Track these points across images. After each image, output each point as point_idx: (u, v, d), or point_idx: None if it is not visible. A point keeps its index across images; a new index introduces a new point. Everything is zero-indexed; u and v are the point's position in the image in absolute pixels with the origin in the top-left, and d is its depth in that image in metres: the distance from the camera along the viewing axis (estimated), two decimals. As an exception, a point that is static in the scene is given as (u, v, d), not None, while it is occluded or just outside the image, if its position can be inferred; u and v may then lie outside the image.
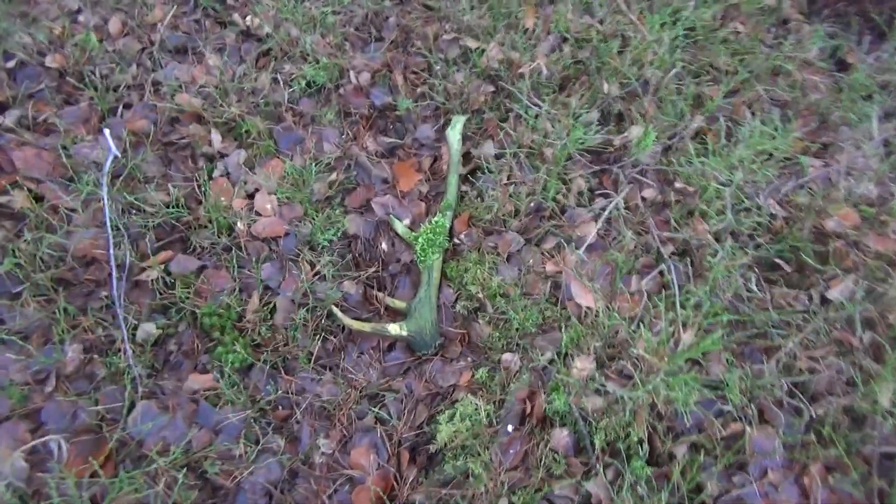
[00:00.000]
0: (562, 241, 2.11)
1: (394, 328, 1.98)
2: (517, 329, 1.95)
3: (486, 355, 1.99)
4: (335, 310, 2.01)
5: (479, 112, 2.49)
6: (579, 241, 2.10)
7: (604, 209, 2.11)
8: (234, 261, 2.07)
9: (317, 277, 2.09)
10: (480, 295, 2.04)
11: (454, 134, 2.36)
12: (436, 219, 2.17)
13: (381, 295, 2.11)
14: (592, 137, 2.14)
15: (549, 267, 2.06)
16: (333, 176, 2.34)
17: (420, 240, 2.13)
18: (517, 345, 1.96)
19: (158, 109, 2.36)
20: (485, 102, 2.49)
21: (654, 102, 2.37)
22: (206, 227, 2.15)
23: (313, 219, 2.19)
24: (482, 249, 2.12)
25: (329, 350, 2.01)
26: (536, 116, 2.29)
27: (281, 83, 2.50)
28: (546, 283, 2.05)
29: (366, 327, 1.99)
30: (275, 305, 2.02)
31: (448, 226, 2.19)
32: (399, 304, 2.07)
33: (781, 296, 1.90)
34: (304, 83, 2.53)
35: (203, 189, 2.17)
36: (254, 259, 2.09)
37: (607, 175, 2.25)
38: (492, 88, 2.51)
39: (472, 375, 1.93)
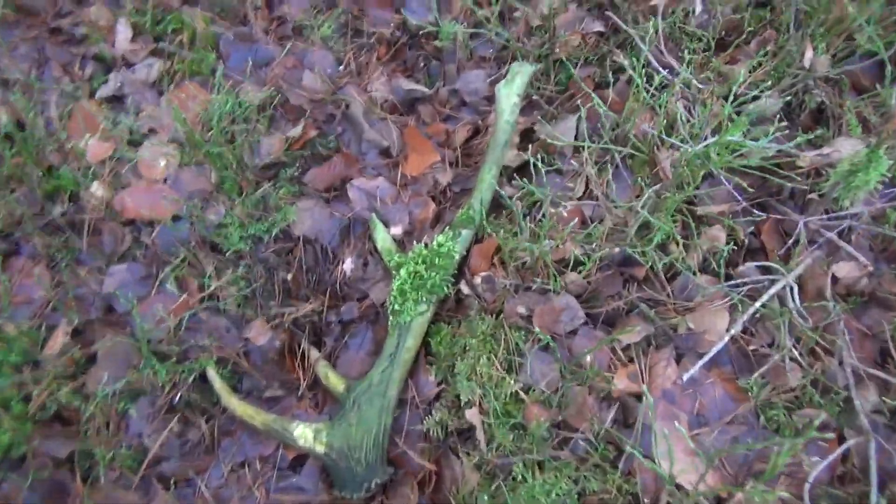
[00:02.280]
0: (658, 334, 1.21)
1: (304, 434, 1.14)
2: (524, 500, 1.07)
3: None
4: (212, 372, 1.22)
5: (565, 64, 1.56)
6: (692, 342, 1.18)
7: (755, 292, 1.16)
8: (68, 253, 1.31)
9: (205, 305, 1.30)
10: (478, 406, 1.17)
11: (509, 94, 1.43)
12: (442, 238, 1.31)
13: (314, 354, 1.29)
14: (762, 147, 1.17)
15: (622, 380, 1.16)
16: (297, 129, 1.51)
17: (403, 272, 1.28)
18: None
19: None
20: (580, 48, 1.54)
21: None
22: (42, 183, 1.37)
23: (234, 199, 1.39)
24: (504, 315, 1.25)
25: (187, 448, 1.21)
26: (663, 87, 1.34)
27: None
28: (607, 411, 1.15)
29: (258, 418, 1.16)
30: (93, 355, 1.21)
31: (460, 256, 1.33)
32: (336, 381, 1.22)
33: None
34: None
35: (62, 115, 1.41)
36: (105, 252, 1.32)
37: (774, 226, 1.28)
38: (598, 27, 1.57)
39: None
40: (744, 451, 0.97)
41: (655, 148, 1.22)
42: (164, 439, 1.16)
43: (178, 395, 1.18)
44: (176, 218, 1.32)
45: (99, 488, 1.11)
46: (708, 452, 1.04)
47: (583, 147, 1.31)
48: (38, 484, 1.09)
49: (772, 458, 0.86)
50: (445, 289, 1.25)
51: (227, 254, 1.33)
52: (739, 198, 1.22)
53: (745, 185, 1.19)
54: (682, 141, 1.14)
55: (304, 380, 1.25)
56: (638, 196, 1.21)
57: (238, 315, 1.28)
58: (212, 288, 1.27)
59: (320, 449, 1.13)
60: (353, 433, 1.13)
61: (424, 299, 1.23)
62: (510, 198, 1.36)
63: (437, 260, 1.25)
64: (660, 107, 1.23)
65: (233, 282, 1.30)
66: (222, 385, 1.18)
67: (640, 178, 1.23)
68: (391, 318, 1.25)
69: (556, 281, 1.20)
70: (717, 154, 1.15)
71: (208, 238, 1.33)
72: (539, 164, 1.21)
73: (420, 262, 1.25)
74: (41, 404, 1.12)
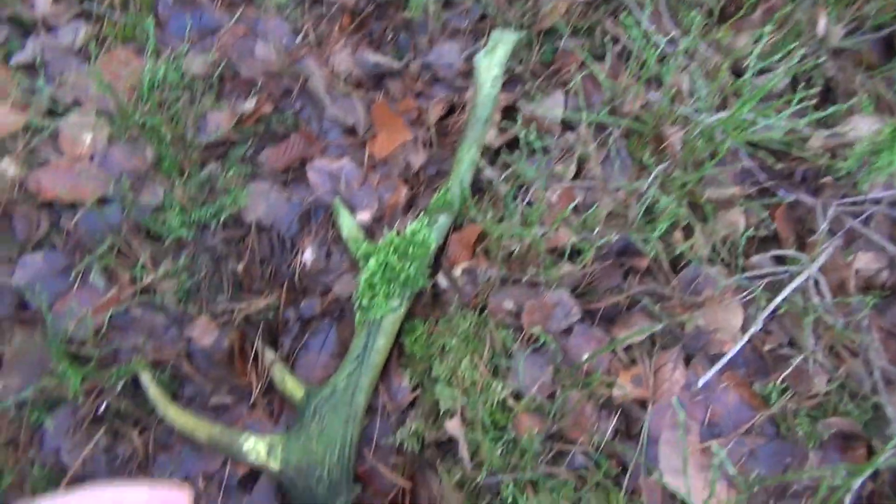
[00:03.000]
0: (663, 333, 1.08)
1: (255, 449, 0.97)
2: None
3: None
4: (146, 377, 1.04)
5: (550, 34, 1.43)
6: (702, 342, 1.05)
7: (775, 286, 1.03)
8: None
9: (138, 300, 1.11)
10: (458, 414, 1.02)
11: (490, 65, 1.29)
12: (416, 225, 1.16)
13: (269, 354, 1.12)
14: (778, 122, 1.05)
15: (624, 385, 1.03)
16: (249, 104, 1.34)
17: (373, 262, 1.12)
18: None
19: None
20: (566, 16, 1.41)
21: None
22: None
23: (175, 180, 1.20)
24: (489, 311, 1.11)
25: (116, 465, 1.02)
26: (662, 59, 1.22)
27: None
28: (608, 421, 1.02)
29: (201, 430, 0.98)
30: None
31: (437, 245, 1.17)
32: (295, 387, 1.05)
33: None
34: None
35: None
36: (16, 240, 1.12)
37: (789, 212, 1.17)
38: (586, -8, 1.44)
39: None
40: (793, 479, 0.84)
41: (661, 121, 1.09)
42: (87, 455, 0.98)
43: (105, 403, 0.99)
44: (103, 201, 1.14)
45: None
46: (737, 473, 0.91)
47: (576, 123, 1.18)
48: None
49: (822, 487, 0.74)
50: (421, 281, 1.10)
51: (167, 242, 1.15)
52: (760, 177, 1.10)
53: (754, 166, 1.07)
54: (694, 112, 1.01)
55: (258, 385, 1.08)
56: (639, 177, 1.08)
57: (179, 311, 1.10)
58: (147, 280, 1.09)
59: (275, 466, 0.97)
60: (313, 447, 0.97)
61: (397, 294, 1.08)
62: (491, 182, 1.22)
63: (410, 249, 1.10)
64: (661, 78, 1.10)
65: (172, 273, 1.12)
66: (158, 392, 1.00)
67: (641, 157, 1.10)
68: (358, 314, 1.09)
69: (548, 272, 1.06)
70: (725, 132, 1.03)
71: (143, 224, 1.15)
72: (530, 139, 1.07)
73: (392, 251, 1.10)
74: (-66, 417, 0.94)
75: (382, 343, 1.07)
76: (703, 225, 1.03)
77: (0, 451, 0.95)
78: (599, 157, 1.12)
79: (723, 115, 0.98)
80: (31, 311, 1.05)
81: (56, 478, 0.97)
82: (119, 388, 1.00)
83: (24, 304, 1.06)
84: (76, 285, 1.07)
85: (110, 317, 1.04)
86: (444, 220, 1.17)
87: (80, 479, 0.97)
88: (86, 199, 1.11)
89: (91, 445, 0.98)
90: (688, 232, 1.09)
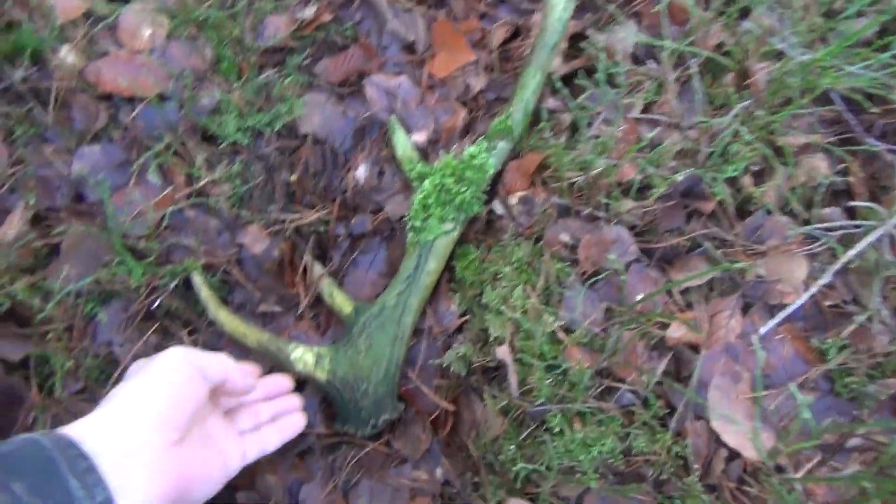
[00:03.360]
0: (722, 279, 1.04)
1: (303, 358, 0.97)
2: (559, 454, 0.94)
3: (473, 482, 0.98)
4: (198, 279, 1.03)
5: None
6: (762, 291, 1.03)
7: (844, 241, 0.99)
8: (31, 127, 1.10)
9: (192, 201, 1.11)
10: (508, 342, 1.02)
11: (564, -11, 1.25)
12: (474, 149, 1.13)
13: (317, 268, 1.11)
14: (879, 59, 0.98)
15: (678, 328, 1.01)
16: (309, 11, 1.30)
17: (427, 184, 1.10)
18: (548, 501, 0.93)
19: None
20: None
21: None
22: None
23: (233, 82, 1.18)
24: (545, 242, 1.09)
25: (149, 355, 1.03)
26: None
27: None
28: (658, 361, 1.00)
29: (250, 336, 0.99)
30: (56, 247, 1.01)
31: (495, 171, 1.14)
32: (343, 302, 1.04)
33: None
34: None
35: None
36: (75, 130, 1.11)
37: (868, 164, 1.10)
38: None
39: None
40: (838, 431, 0.83)
41: (745, 55, 1.03)
42: (137, 350, 0.99)
43: (158, 301, 1.00)
44: (162, 97, 1.12)
45: (58, 399, 0.95)
46: (775, 419, 0.90)
47: (648, 55, 1.12)
48: (-15, 391, 0.92)
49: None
50: (476, 207, 1.08)
51: (222, 145, 1.14)
52: (852, 124, 1.04)
53: (846, 111, 1.02)
54: (787, 48, 0.96)
55: (305, 298, 1.08)
56: (714, 115, 1.04)
57: (231, 217, 1.10)
58: (202, 182, 1.08)
59: (321, 376, 0.97)
60: (360, 361, 0.97)
61: (451, 217, 1.06)
62: (554, 111, 1.18)
63: (467, 173, 1.08)
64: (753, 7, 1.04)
65: (227, 178, 1.11)
66: (209, 294, 1.00)
67: (719, 94, 1.05)
68: (410, 235, 1.07)
69: (610, 207, 1.03)
70: (817, 72, 0.98)
71: (199, 125, 1.13)
72: (599, 69, 1.02)
73: (448, 174, 1.08)
74: (-9, 299, 0.95)
75: (434, 265, 1.05)
76: (779, 170, 0.99)
77: (59, 338, 0.96)
78: (674, 91, 1.07)
79: (818, 53, 0.93)
80: (88, 204, 1.05)
81: (108, 369, 0.99)
82: (172, 287, 1.01)
83: (81, 196, 1.06)
84: (132, 181, 1.07)
85: (165, 215, 1.04)
86: (503, 146, 1.14)
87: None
88: (145, 94, 1.09)
89: (142, 342, 0.99)
90: (758, 177, 1.06)
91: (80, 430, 0.62)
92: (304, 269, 1.10)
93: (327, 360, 0.98)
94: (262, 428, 0.91)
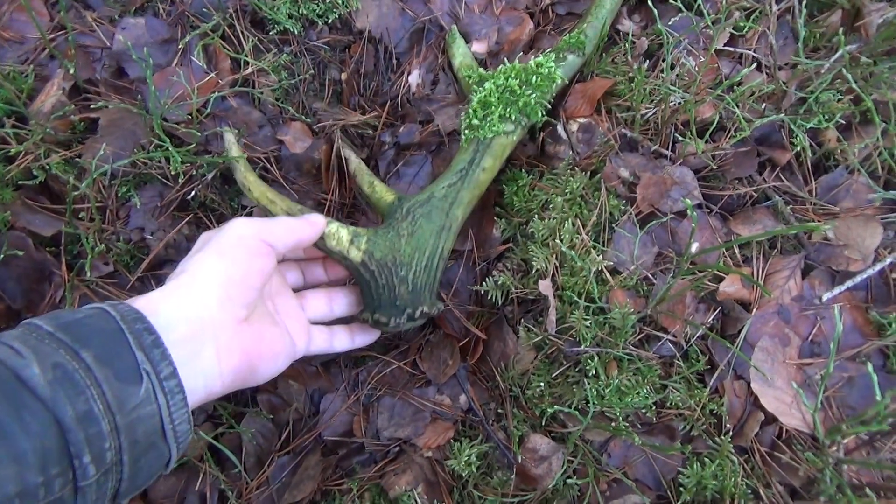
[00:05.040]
0: (787, 237, 0.98)
1: (336, 234, 0.85)
2: (592, 397, 0.90)
3: (497, 413, 0.97)
4: (230, 136, 0.94)
5: None
6: (827, 255, 0.96)
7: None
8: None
9: (236, 89, 1.04)
10: (551, 277, 0.97)
11: None
12: (542, 59, 1.02)
13: (353, 158, 1.00)
14: None
15: (731, 283, 0.96)
16: None
17: (489, 84, 0.99)
18: (575, 445, 0.89)
19: None
20: None
21: None
22: None
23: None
24: (602, 176, 1.01)
25: (181, 246, 1.01)
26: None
27: None
28: (705, 315, 0.96)
29: (280, 204, 0.88)
30: (93, 122, 0.95)
31: (562, 83, 1.03)
32: (385, 190, 0.95)
33: None
34: None
35: None
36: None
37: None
38: None
39: (445, 447, 0.94)
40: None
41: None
42: (169, 240, 0.97)
43: (194, 191, 0.97)
44: (210, -28, 1.05)
45: (86, 281, 0.93)
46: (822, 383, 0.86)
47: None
48: (15, 262, 0.91)
49: None
50: (539, 113, 0.99)
51: (271, 33, 1.07)
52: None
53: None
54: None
55: (346, 202, 1.04)
56: (808, 57, 0.94)
57: (275, 111, 1.04)
58: (248, 70, 1.02)
59: (356, 256, 0.85)
60: (401, 246, 0.87)
61: (513, 118, 0.97)
62: (629, 35, 1.09)
63: (533, 79, 0.99)
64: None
65: (274, 69, 1.05)
66: (239, 155, 0.92)
67: (819, 33, 0.95)
68: (466, 133, 0.98)
69: (672, 148, 0.96)
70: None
71: (250, 6, 1.06)
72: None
73: (513, 76, 0.99)
74: (25, 169, 0.92)
75: (490, 163, 0.96)
76: (875, 126, 0.90)
77: (92, 219, 0.93)
78: (770, 24, 0.97)
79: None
80: (129, 80, 1.00)
81: (138, 256, 0.97)
82: (210, 178, 0.97)
83: (122, 70, 1.00)
84: (176, 60, 1.01)
85: (209, 101, 0.99)
86: (573, 59, 1.04)
87: (161, 263, 0.97)
88: (192, -33, 1.01)
89: (175, 232, 0.97)
90: (843, 132, 0.97)
91: (150, 304, 0.61)
92: (342, 172, 1.05)
93: (364, 241, 0.86)
94: (335, 326, 0.88)
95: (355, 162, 1.01)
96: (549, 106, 1.01)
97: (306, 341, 0.82)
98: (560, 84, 1.01)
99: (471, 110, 0.98)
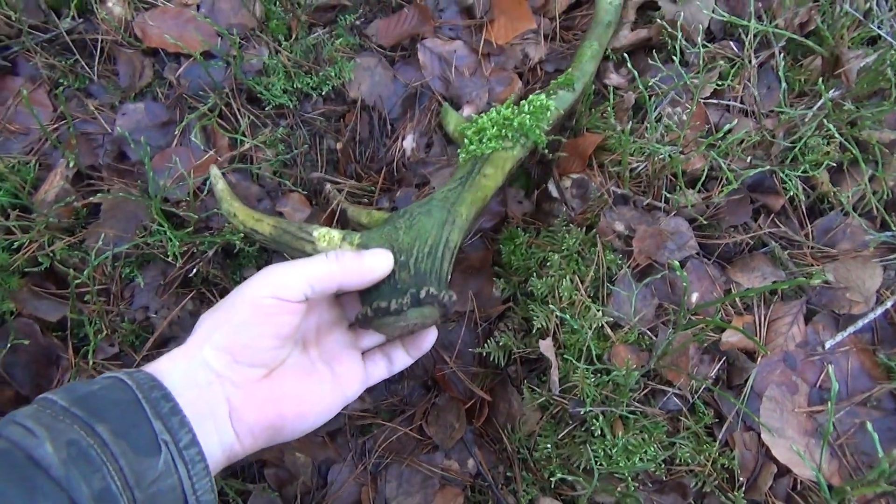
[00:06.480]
0: (783, 282, 0.96)
1: (327, 236, 0.80)
2: (598, 459, 0.89)
3: (506, 476, 0.95)
4: (213, 170, 0.88)
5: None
6: (828, 299, 0.95)
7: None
8: (75, 80, 1.08)
9: (235, 166, 1.06)
10: (552, 336, 0.97)
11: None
12: (533, 96, 0.99)
13: (334, 192, 0.98)
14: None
15: (734, 332, 0.95)
16: (365, -34, 1.23)
17: (483, 119, 0.97)
18: None
19: None
20: None
21: None
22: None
23: (281, 41, 1.14)
24: (598, 230, 1.00)
25: (185, 323, 1.02)
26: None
27: None
28: (709, 366, 0.95)
29: (266, 222, 0.84)
30: (96, 208, 0.97)
31: (557, 112, 1.00)
32: (382, 213, 0.94)
33: None
34: None
35: None
36: (120, 85, 1.08)
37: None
38: None
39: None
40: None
41: (839, 43, 0.94)
42: (174, 317, 0.98)
43: (195, 269, 0.98)
44: (208, 55, 1.08)
45: (93, 364, 0.94)
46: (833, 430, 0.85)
47: (723, 33, 1.03)
48: (22, 348, 0.92)
49: None
50: (537, 133, 0.96)
51: (267, 109, 1.10)
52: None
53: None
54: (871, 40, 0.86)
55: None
56: (792, 105, 0.95)
57: (273, 184, 1.06)
58: (245, 147, 1.05)
59: (350, 250, 0.78)
60: (399, 237, 0.80)
61: (510, 136, 0.95)
62: (617, 88, 1.11)
63: (526, 107, 0.98)
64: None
65: (271, 143, 1.07)
66: (225, 188, 0.87)
67: (800, 82, 0.96)
68: (462, 155, 0.95)
69: (667, 201, 0.96)
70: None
71: (245, 86, 1.09)
72: (668, 45, 0.94)
73: (506, 108, 0.97)
74: (31, 258, 0.94)
75: (491, 171, 0.92)
76: (864, 168, 0.90)
77: (96, 301, 0.95)
78: (753, 75, 0.98)
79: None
80: (130, 163, 1.03)
81: (143, 335, 0.98)
82: (210, 254, 0.98)
83: (123, 154, 1.03)
84: (175, 142, 1.04)
85: (206, 180, 1.01)
86: (564, 94, 1.04)
87: (166, 341, 0.98)
88: (191, 51, 1.05)
89: (179, 309, 0.98)
90: (835, 175, 0.97)
91: (162, 367, 0.61)
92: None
93: (357, 237, 0.81)
94: (387, 346, 0.81)
95: (351, 208, 1.00)
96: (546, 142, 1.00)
97: (361, 381, 0.77)
98: (555, 113, 1.00)
99: (467, 140, 0.97)
